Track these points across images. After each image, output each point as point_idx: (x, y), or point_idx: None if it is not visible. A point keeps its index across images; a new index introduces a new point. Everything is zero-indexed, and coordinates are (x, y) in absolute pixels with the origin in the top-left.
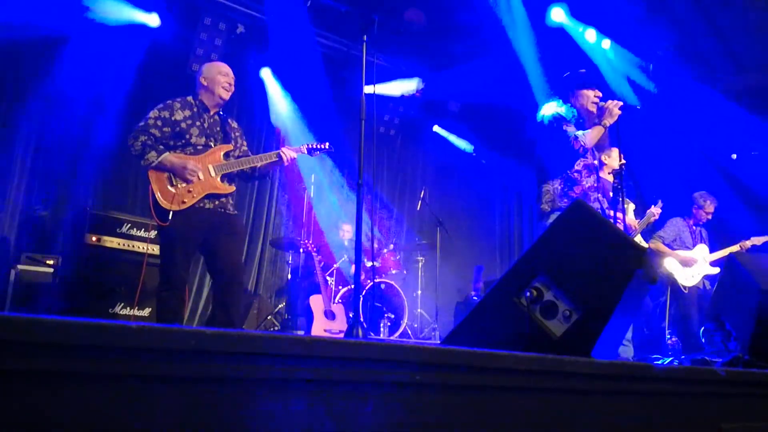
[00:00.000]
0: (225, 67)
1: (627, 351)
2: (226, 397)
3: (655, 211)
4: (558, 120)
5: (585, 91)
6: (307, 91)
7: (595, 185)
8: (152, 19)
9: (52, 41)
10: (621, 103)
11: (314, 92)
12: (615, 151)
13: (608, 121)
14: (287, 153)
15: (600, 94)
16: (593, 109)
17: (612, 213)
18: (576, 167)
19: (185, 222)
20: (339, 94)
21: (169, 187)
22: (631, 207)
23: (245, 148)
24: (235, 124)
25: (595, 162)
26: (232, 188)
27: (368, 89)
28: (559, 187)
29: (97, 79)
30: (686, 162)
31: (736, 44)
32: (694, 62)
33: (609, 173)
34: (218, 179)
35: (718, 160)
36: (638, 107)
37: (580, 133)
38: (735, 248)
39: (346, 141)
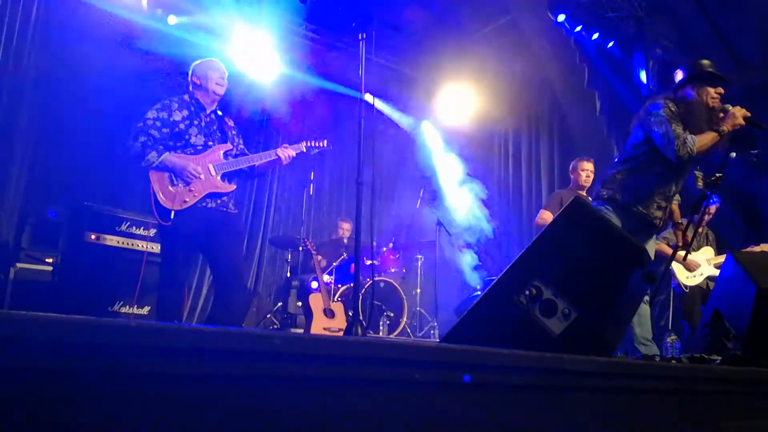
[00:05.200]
0: (215, 62)
1: (651, 349)
2: (226, 396)
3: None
4: (670, 112)
5: (709, 88)
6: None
7: (669, 193)
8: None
9: (52, 41)
10: (749, 114)
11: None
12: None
13: (727, 128)
14: (285, 151)
15: (722, 92)
16: (711, 105)
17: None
18: (659, 168)
19: (186, 221)
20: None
21: (170, 186)
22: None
23: (242, 146)
24: (231, 123)
25: (682, 170)
26: (233, 187)
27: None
28: (630, 181)
29: (98, 77)
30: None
31: (737, 44)
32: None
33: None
34: (218, 178)
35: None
36: (766, 127)
37: (690, 138)
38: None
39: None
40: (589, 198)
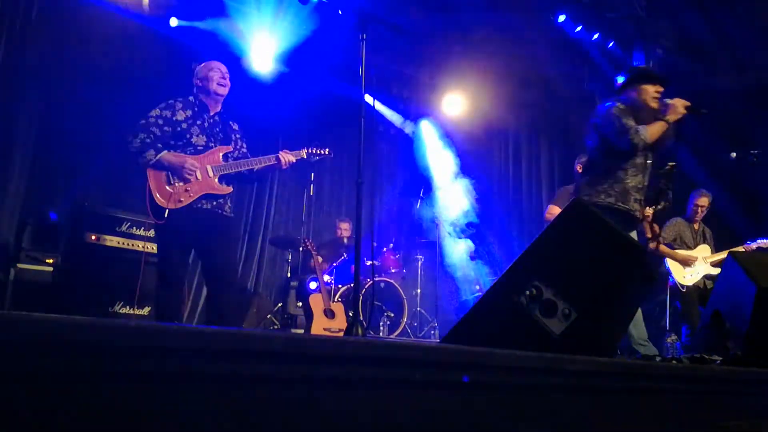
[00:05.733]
0: (215, 63)
1: (650, 349)
2: (226, 396)
3: (646, 212)
4: (619, 111)
5: (646, 85)
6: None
7: (640, 186)
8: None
9: (53, 41)
10: (688, 103)
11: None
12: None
13: (672, 118)
14: (285, 157)
15: (662, 89)
16: (655, 105)
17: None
18: (624, 164)
19: (181, 220)
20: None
21: (166, 185)
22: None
23: (245, 149)
24: (236, 126)
25: (646, 162)
26: (230, 189)
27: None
28: (601, 182)
29: (98, 78)
30: (686, 162)
31: (737, 44)
32: (695, 60)
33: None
34: (216, 180)
35: (718, 160)
36: (706, 112)
37: (642, 128)
38: (740, 250)
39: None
40: None
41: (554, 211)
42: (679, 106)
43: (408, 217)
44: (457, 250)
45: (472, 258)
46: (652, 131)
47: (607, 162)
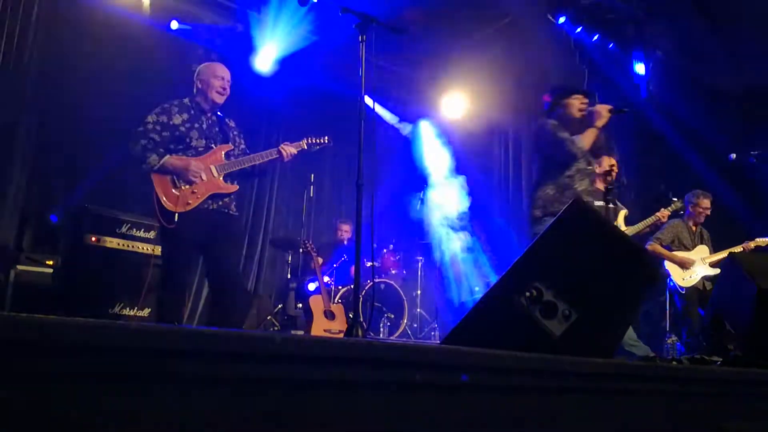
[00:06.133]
0: (221, 70)
1: (641, 348)
2: (227, 397)
3: (662, 214)
4: (551, 127)
5: (571, 100)
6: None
7: (589, 189)
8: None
9: (53, 42)
10: (610, 107)
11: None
12: (603, 158)
13: (600, 123)
14: (287, 149)
15: (586, 101)
16: (579, 115)
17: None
18: (569, 172)
19: (190, 223)
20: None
21: (173, 189)
22: (622, 213)
23: (244, 146)
24: (232, 123)
25: (590, 168)
26: (236, 187)
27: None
28: (552, 193)
29: (99, 79)
30: (686, 162)
31: (737, 44)
32: (694, 61)
33: (599, 178)
34: (221, 179)
35: (718, 160)
36: (627, 111)
37: (575, 138)
38: (737, 249)
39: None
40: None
41: None
42: (603, 111)
43: (408, 219)
44: (454, 247)
45: (469, 250)
46: (585, 139)
47: (554, 175)
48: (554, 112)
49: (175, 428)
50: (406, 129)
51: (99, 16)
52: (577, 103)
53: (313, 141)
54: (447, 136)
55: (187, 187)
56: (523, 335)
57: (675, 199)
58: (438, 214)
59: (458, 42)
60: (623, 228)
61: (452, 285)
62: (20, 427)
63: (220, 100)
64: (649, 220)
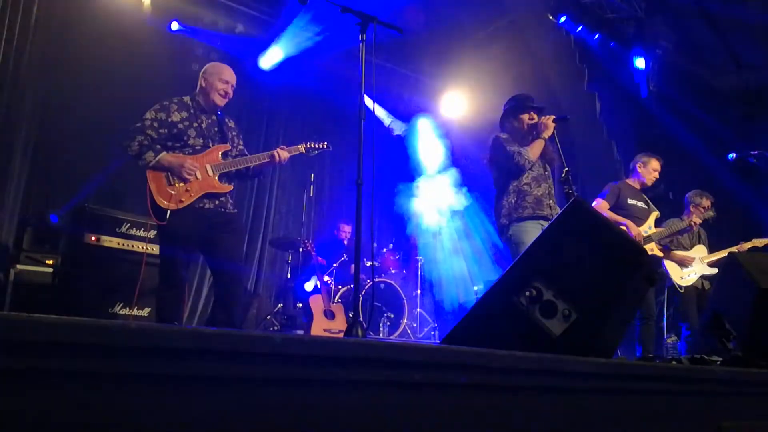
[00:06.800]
0: (228, 74)
1: None
2: (227, 397)
3: (694, 219)
4: (502, 141)
5: (522, 116)
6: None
7: (548, 192)
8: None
9: (53, 42)
10: (553, 117)
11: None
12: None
13: (546, 134)
14: (281, 153)
15: (534, 116)
16: (528, 129)
17: None
18: (525, 180)
19: (184, 221)
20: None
21: (167, 186)
22: (654, 215)
23: (242, 147)
24: (232, 124)
25: (545, 172)
26: (230, 187)
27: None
28: (513, 201)
29: (98, 79)
30: (685, 161)
31: (737, 44)
32: (694, 60)
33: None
34: (216, 178)
35: (717, 159)
36: (569, 118)
37: (523, 149)
38: (734, 249)
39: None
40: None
41: (602, 206)
42: (548, 123)
43: (408, 219)
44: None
45: (465, 235)
46: (533, 150)
47: (511, 184)
48: (505, 126)
49: (175, 428)
50: (405, 127)
51: (99, 16)
52: (526, 117)
53: (312, 146)
54: (447, 136)
55: (182, 184)
56: (523, 335)
57: (710, 209)
58: (439, 211)
59: (459, 42)
60: (653, 230)
61: (453, 285)
62: (20, 427)
63: (221, 102)
64: (681, 224)
